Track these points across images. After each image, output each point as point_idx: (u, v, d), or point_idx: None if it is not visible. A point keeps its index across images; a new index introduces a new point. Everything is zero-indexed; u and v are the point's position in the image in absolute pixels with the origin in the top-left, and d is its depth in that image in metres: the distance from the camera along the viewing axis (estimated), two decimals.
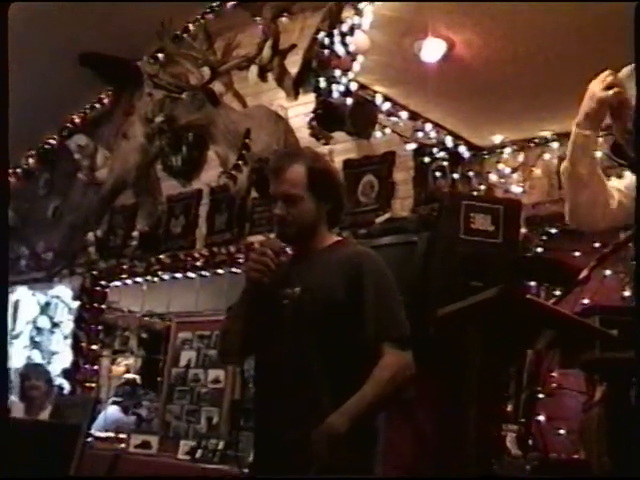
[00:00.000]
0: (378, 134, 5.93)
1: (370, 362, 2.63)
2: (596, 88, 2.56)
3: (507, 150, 6.06)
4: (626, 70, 2.54)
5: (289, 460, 2.61)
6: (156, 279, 8.30)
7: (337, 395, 2.59)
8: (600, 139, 2.74)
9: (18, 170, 10.18)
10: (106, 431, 7.76)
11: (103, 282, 8.83)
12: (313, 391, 2.64)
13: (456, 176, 6.26)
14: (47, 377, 6.72)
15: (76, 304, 8.94)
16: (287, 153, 2.98)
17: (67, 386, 8.44)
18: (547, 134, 5.83)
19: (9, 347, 8.56)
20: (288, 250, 3.10)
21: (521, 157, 6.04)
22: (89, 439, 6.15)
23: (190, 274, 7.97)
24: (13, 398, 6.41)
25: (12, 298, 9.44)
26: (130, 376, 9.35)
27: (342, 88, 5.29)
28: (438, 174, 6.27)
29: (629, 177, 2.79)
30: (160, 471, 6.35)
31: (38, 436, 4.41)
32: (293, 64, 6.65)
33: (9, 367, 7.08)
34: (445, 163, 6.24)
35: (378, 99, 5.62)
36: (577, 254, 5.17)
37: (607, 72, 2.56)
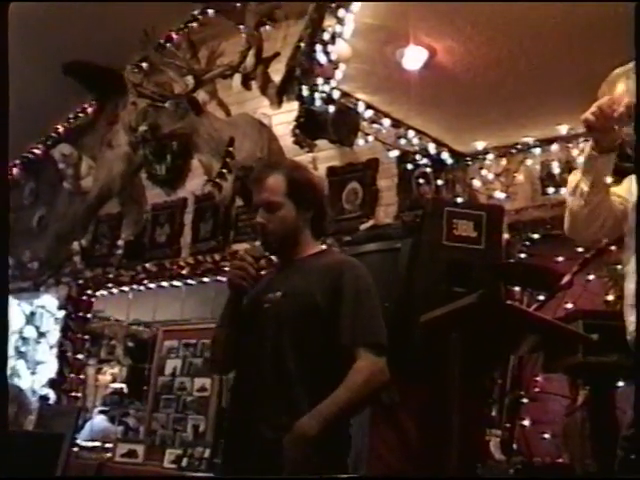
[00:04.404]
0: (361, 141, 5.93)
1: (347, 367, 2.64)
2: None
3: (490, 156, 6.08)
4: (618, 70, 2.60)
5: (263, 460, 2.62)
6: (142, 288, 8.31)
7: (313, 398, 2.60)
8: None
9: None
10: (93, 440, 7.73)
11: (89, 291, 8.84)
12: (289, 393, 2.67)
13: (440, 183, 6.28)
14: (20, 399, 6.60)
15: (62, 313, 8.93)
16: (268, 164, 3.04)
17: (52, 395, 8.40)
18: (529, 140, 5.85)
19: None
20: (274, 259, 3.13)
21: (504, 163, 6.06)
22: (75, 448, 6.12)
23: (176, 282, 7.99)
24: None
25: None
26: (117, 385, 9.31)
27: (324, 96, 5.31)
28: (421, 181, 6.29)
29: (627, 181, 2.84)
30: None
31: (22, 445, 4.39)
32: (277, 72, 6.65)
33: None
34: (428, 170, 6.26)
35: (360, 107, 5.62)
36: (560, 259, 5.19)
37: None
